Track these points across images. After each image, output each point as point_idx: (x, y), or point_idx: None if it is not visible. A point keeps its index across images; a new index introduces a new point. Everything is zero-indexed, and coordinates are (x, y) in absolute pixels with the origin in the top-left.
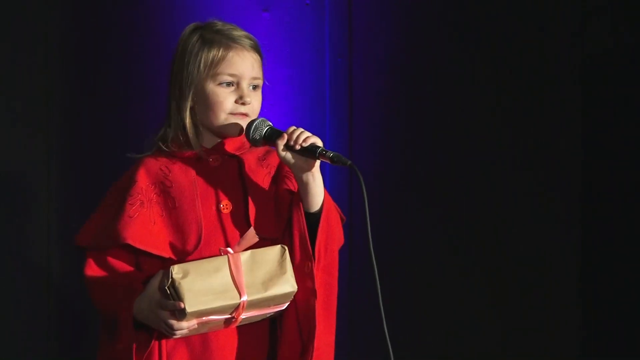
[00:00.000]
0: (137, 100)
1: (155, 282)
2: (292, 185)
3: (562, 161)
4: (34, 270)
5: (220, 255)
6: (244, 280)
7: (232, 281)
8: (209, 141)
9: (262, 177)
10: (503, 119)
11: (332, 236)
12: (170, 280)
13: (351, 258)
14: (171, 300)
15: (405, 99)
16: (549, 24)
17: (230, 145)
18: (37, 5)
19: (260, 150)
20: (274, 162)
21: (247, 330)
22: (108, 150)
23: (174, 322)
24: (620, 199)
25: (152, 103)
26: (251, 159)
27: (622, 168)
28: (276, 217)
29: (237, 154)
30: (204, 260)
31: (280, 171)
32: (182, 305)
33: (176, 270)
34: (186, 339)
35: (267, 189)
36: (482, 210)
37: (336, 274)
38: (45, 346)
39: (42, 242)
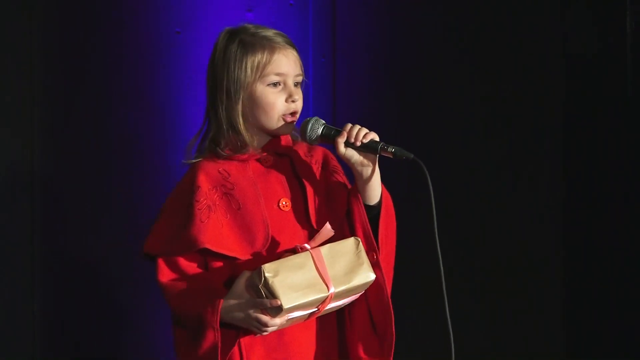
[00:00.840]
0: (121, 100)
1: (241, 282)
2: (342, 179)
3: (545, 161)
4: (18, 270)
5: (297, 251)
6: (328, 273)
7: (319, 275)
8: (259, 141)
9: (314, 172)
10: (487, 119)
11: (391, 227)
12: (263, 279)
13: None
14: (265, 298)
15: (389, 98)
16: (532, 25)
17: (282, 143)
18: (20, 4)
19: (304, 145)
20: (318, 156)
21: (317, 322)
22: (92, 150)
23: (267, 319)
24: (602, 199)
25: (135, 103)
26: (299, 155)
27: (604, 168)
28: (331, 211)
29: (287, 151)
30: (288, 257)
31: (327, 165)
32: (279, 302)
33: (267, 270)
34: (261, 335)
35: (320, 183)
36: (466, 210)
37: (393, 263)
38: (30, 346)
39: (27, 241)
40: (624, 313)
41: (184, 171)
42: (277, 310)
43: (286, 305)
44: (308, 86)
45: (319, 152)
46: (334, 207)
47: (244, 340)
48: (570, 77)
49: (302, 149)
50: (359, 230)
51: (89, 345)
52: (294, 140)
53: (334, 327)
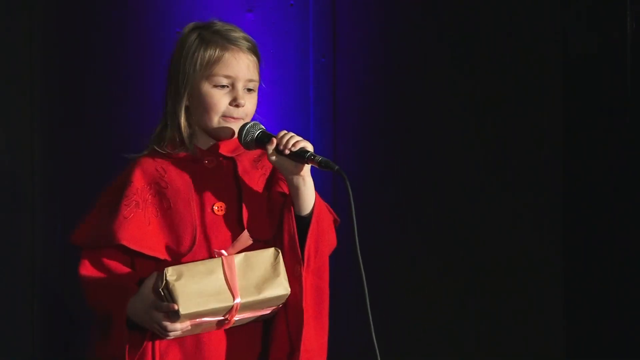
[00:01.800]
0: (121, 99)
1: (149, 284)
2: (285, 188)
3: (545, 161)
4: (18, 270)
5: (214, 257)
6: (237, 282)
7: (226, 283)
8: (204, 142)
9: (257, 180)
10: (487, 119)
11: (322, 240)
12: (164, 282)
13: (337, 260)
14: (165, 302)
15: (389, 99)
16: (532, 25)
17: (225, 148)
18: (20, 4)
19: (256, 152)
20: (269, 164)
21: (239, 331)
22: (92, 149)
23: (167, 323)
24: (602, 199)
25: (135, 102)
26: (246, 161)
27: (604, 168)
28: (269, 220)
29: (232, 155)
30: (198, 262)
31: (275, 174)
32: (176, 307)
33: (170, 272)
34: (179, 339)
35: (261, 191)
36: (466, 210)
37: (327, 277)
38: (30, 346)
39: (27, 242)
40: (624, 313)
41: None
42: (176, 315)
43: (183, 311)
44: (308, 86)
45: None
46: (271, 216)
47: (160, 344)
48: (570, 77)
49: (252, 155)
50: (286, 241)
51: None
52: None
53: (258, 338)
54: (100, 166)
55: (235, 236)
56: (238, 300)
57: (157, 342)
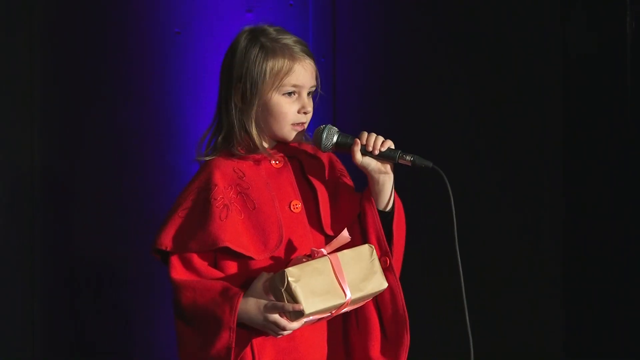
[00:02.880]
0: (121, 99)
1: (259, 285)
2: (350, 182)
3: (545, 161)
4: (18, 270)
5: (312, 255)
6: (346, 279)
7: (337, 281)
8: (270, 143)
9: (323, 174)
10: (487, 119)
11: (402, 233)
12: (286, 283)
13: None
14: (286, 302)
15: (389, 99)
16: (532, 25)
17: (291, 147)
18: (20, 4)
19: (309, 147)
20: (324, 158)
21: (325, 325)
22: (92, 149)
23: (286, 322)
24: (602, 199)
25: (136, 103)
26: (308, 158)
27: (604, 168)
28: (340, 214)
29: (296, 153)
30: (309, 262)
31: (334, 168)
32: (301, 307)
33: (291, 274)
34: (272, 336)
35: (327, 185)
36: (466, 210)
37: (400, 269)
38: (30, 346)
39: (27, 241)
40: (624, 313)
41: (184, 169)
42: (298, 314)
43: (308, 310)
44: None
45: (324, 154)
46: (344, 211)
47: (256, 341)
48: (570, 77)
49: (308, 150)
50: (372, 235)
51: (89, 346)
52: (299, 142)
53: (339, 328)
54: (100, 166)
55: (313, 232)
56: (349, 296)
57: (254, 340)
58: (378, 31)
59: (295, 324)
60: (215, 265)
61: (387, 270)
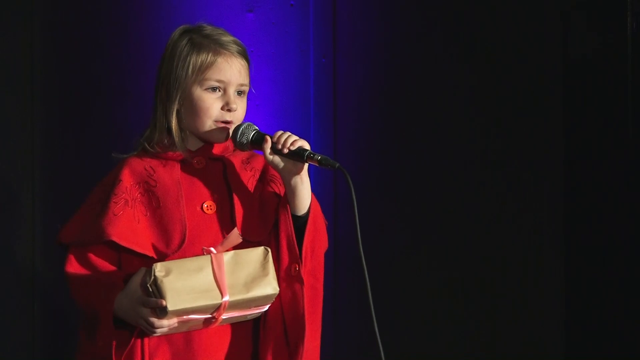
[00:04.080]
0: (121, 99)
1: (136, 279)
2: (278, 188)
3: (545, 162)
4: (18, 271)
5: (204, 254)
6: (226, 280)
7: (215, 281)
8: (193, 144)
9: (247, 180)
10: (486, 119)
11: (318, 239)
12: (152, 277)
13: (337, 259)
14: (153, 297)
15: (389, 99)
16: (532, 26)
17: (216, 149)
18: (20, 4)
19: (245, 153)
20: (258, 165)
21: (230, 330)
22: (91, 149)
23: (154, 319)
24: (603, 200)
25: (135, 102)
26: (235, 162)
27: (605, 169)
28: (261, 220)
29: (222, 156)
30: (187, 259)
31: (265, 174)
32: (164, 303)
33: (159, 268)
34: (169, 337)
35: (251, 191)
36: (466, 211)
37: (322, 277)
38: (30, 346)
39: (27, 242)
40: (624, 314)
41: None
42: (163, 311)
43: (171, 307)
44: (308, 86)
45: (260, 161)
46: (264, 216)
47: (150, 342)
48: (570, 78)
49: (240, 156)
50: (283, 241)
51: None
52: (236, 149)
53: (248, 337)
54: (100, 166)
55: (225, 235)
56: (226, 298)
57: (146, 340)
58: (378, 31)
59: (165, 322)
60: (119, 264)
61: (295, 277)
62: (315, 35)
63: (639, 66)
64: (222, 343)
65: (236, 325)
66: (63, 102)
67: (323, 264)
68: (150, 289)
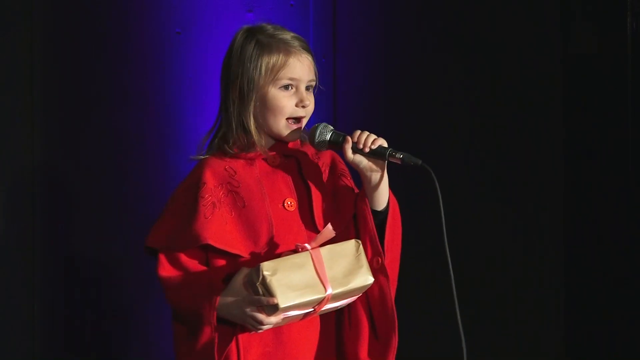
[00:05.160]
0: (122, 99)
1: (239, 279)
2: (350, 182)
3: (545, 161)
4: (18, 271)
5: (297, 251)
6: (327, 274)
7: (317, 276)
8: (268, 141)
9: (320, 174)
10: (486, 119)
11: (397, 233)
12: (261, 277)
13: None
14: (263, 296)
15: (389, 98)
16: (533, 25)
17: (290, 145)
18: (20, 5)
19: (311, 149)
20: (326, 159)
21: (317, 323)
22: (91, 149)
23: (263, 317)
24: (603, 199)
25: (135, 103)
26: (306, 157)
27: (605, 168)
28: (337, 214)
29: (295, 152)
30: (287, 257)
31: (335, 168)
32: (276, 301)
33: (266, 268)
34: (259, 333)
35: (326, 185)
36: (466, 211)
37: (397, 270)
38: (30, 346)
39: (27, 242)
40: (624, 314)
41: (184, 169)
42: (274, 308)
43: (282, 304)
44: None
45: (327, 155)
46: (340, 210)
47: (242, 337)
48: (570, 77)
49: (310, 151)
50: (365, 235)
51: (89, 346)
52: (302, 142)
53: (332, 327)
54: (100, 166)
55: (307, 231)
56: (330, 291)
57: (239, 337)
58: (378, 31)
59: (274, 319)
60: (207, 263)
61: (378, 270)
62: (315, 35)
63: (639, 66)
64: (310, 334)
65: (322, 319)
66: (63, 102)
67: (399, 257)
68: (260, 289)
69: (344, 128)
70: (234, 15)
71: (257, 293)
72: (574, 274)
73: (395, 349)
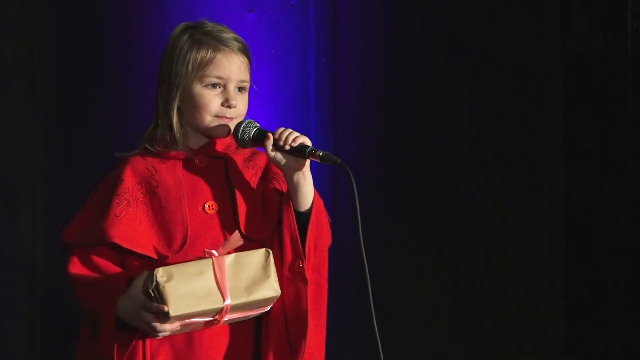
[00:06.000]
0: (122, 97)
1: (138, 283)
2: (280, 186)
3: (545, 161)
4: (18, 271)
5: (205, 257)
6: (227, 284)
7: (216, 285)
8: (196, 142)
9: (249, 178)
10: (486, 119)
11: (321, 235)
12: (154, 283)
13: (337, 257)
14: (155, 302)
15: (389, 98)
16: (532, 24)
17: (218, 146)
18: (20, 5)
19: (247, 151)
20: (260, 163)
21: (232, 329)
22: (93, 148)
23: (157, 324)
24: (603, 199)
25: (137, 101)
26: (237, 160)
27: (605, 168)
28: (264, 218)
29: (224, 155)
30: (189, 263)
31: (268, 172)
32: (166, 309)
33: (161, 273)
34: (170, 337)
35: (254, 189)
36: (466, 211)
37: (326, 273)
38: (30, 346)
39: (28, 241)
40: (624, 313)
41: None
42: (165, 316)
43: (173, 313)
44: (309, 86)
45: (262, 159)
46: (267, 214)
47: (151, 343)
48: (570, 77)
49: (242, 154)
50: (287, 237)
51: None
52: (238, 146)
53: (251, 336)
54: (100, 166)
55: (227, 236)
56: (228, 302)
57: (147, 341)
58: (378, 31)
59: (168, 326)
60: (122, 264)
61: (298, 274)
62: (316, 35)
63: (639, 66)
64: (223, 342)
65: (237, 324)
66: (63, 102)
67: (327, 260)
68: (153, 294)
69: (344, 128)
70: (234, 15)
71: (151, 299)
72: (574, 274)
73: (303, 355)
